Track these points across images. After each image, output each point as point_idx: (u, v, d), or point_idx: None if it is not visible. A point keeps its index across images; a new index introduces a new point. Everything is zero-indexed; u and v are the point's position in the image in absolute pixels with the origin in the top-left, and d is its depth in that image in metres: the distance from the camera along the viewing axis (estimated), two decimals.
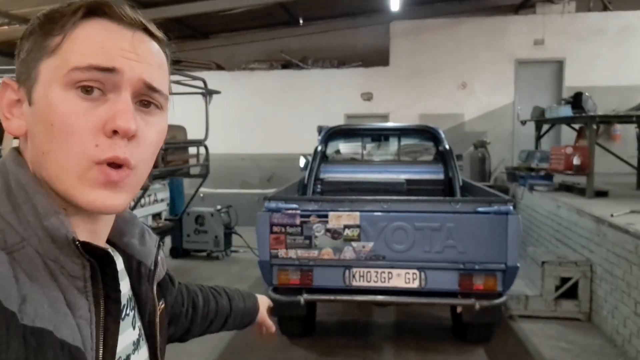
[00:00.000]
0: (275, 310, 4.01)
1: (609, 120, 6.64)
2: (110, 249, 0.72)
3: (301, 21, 11.50)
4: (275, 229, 3.67)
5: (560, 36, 10.05)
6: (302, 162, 5.91)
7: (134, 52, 0.65)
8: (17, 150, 0.69)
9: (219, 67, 11.52)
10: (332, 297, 3.84)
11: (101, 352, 0.65)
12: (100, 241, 0.71)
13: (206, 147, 7.27)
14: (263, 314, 1.34)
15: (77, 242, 0.62)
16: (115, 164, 0.63)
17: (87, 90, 0.62)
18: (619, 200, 5.78)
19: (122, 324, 0.70)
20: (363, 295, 3.79)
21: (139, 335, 0.77)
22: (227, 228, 7.61)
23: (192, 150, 7.42)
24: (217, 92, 7.32)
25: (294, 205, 3.69)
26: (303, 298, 3.76)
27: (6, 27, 9.48)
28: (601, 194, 6.07)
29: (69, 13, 0.64)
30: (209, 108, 7.23)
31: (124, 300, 0.72)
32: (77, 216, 0.66)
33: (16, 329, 0.55)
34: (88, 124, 0.62)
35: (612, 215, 4.64)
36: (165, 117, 0.71)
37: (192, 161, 7.38)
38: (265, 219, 3.70)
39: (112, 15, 0.65)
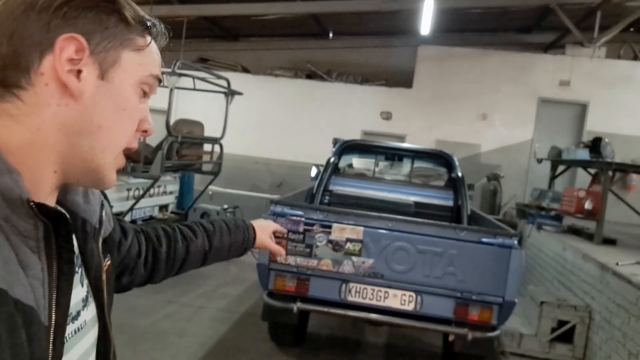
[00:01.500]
0: (266, 315, 4.02)
1: (625, 168, 6.59)
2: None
3: (331, 34, 11.61)
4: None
5: (586, 79, 10.02)
6: (313, 171, 5.93)
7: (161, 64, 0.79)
8: None
9: (245, 70, 11.65)
10: (325, 309, 3.81)
11: (54, 311, 0.65)
12: (52, 201, 0.71)
13: (221, 146, 7.33)
14: (263, 240, 1.38)
15: (32, 203, 0.62)
16: (129, 152, 0.75)
17: (144, 93, 0.75)
18: (626, 250, 5.71)
19: None
20: (357, 312, 3.77)
21: (87, 292, 0.78)
22: None
23: (207, 147, 7.49)
24: (240, 94, 7.40)
25: (299, 212, 3.70)
26: (297, 306, 3.75)
27: None
28: (609, 241, 6.00)
29: (152, 26, 0.75)
30: (230, 108, 7.30)
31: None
32: (61, 186, 0.72)
33: None
34: (137, 119, 0.75)
35: (617, 264, 4.58)
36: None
37: (206, 158, 7.44)
38: None
39: (156, 36, 0.77)
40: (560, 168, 8.42)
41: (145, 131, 0.76)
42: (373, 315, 3.75)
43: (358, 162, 5.97)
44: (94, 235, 0.80)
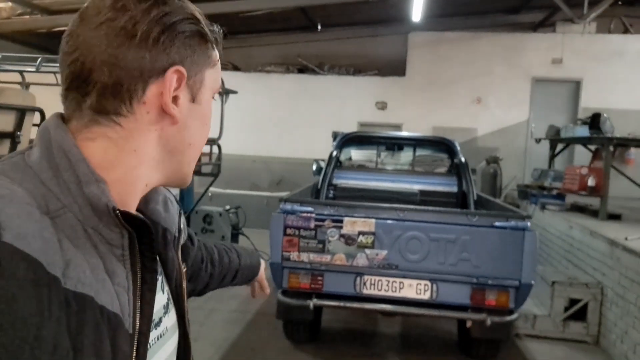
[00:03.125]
0: (281, 314, 4.00)
1: (626, 143, 6.60)
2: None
3: (319, 27, 11.54)
4: (289, 231, 3.65)
5: (578, 56, 10.02)
6: (314, 166, 5.90)
7: None
8: (61, 116, 0.69)
9: (235, 68, 11.57)
10: (341, 304, 3.80)
11: (138, 319, 0.67)
12: (134, 208, 0.73)
13: (219, 146, 7.27)
14: (262, 273, 1.42)
15: (117, 212, 0.64)
16: None
17: None
18: (632, 224, 5.72)
19: None
20: (373, 304, 3.75)
21: (168, 299, 0.80)
22: (234, 229, 7.59)
23: (205, 148, 7.42)
24: (234, 92, 7.33)
25: (310, 209, 3.67)
26: (312, 303, 3.73)
27: (27, 16, 9.56)
28: (614, 216, 6.02)
29: (218, 34, 0.76)
30: (224, 107, 7.23)
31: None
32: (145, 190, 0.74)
33: (58, 293, 0.56)
34: None
35: (626, 239, 4.59)
36: None
37: (204, 159, 7.37)
38: (279, 221, 3.68)
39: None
40: (559, 147, 8.43)
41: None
42: (389, 307, 3.74)
43: (359, 155, 5.94)
44: (174, 244, 0.82)
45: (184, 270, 0.87)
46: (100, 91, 0.65)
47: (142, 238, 0.68)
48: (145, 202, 0.78)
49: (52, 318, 0.54)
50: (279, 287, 3.82)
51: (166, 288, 0.80)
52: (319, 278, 3.71)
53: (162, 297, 0.78)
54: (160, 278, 0.78)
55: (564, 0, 9.06)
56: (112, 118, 0.66)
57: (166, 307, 0.79)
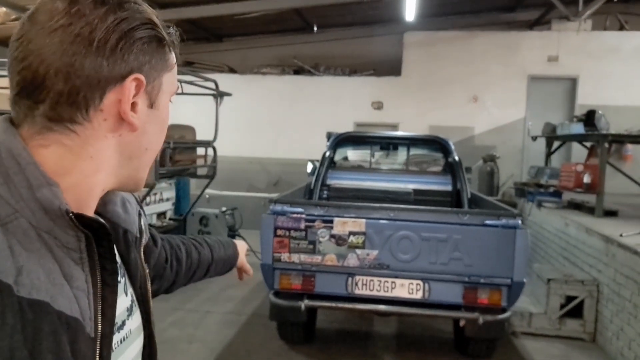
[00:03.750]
0: (274, 315, 3.99)
1: (621, 139, 6.57)
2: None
3: (315, 28, 11.53)
4: (279, 232, 3.64)
5: (574, 53, 10.00)
6: (309, 167, 5.88)
7: None
8: (10, 120, 0.67)
9: (232, 70, 11.57)
10: (333, 305, 3.78)
11: (99, 322, 0.66)
12: (90, 212, 0.71)
13: (214, 149, 7.26)
14: (242, 259, 1.42)
15: (71, 214, 0.62)
16: None
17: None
18: (628, 220, 5.70)
19: None
20: (365, 304, 3.74)
21: (132, 301, 0.79)
22: (231, 230, 7.57)
23: (200, 151, 7.42)
24: (228, 95, 7.33)
25: (300, 209, 3.66)
26: (304, 304, 3.71)
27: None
28: (610, 213, 5.99)
29: (175, 37, 0.75)
30: (220, 110, 7.23)
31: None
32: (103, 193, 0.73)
33: (11, 301, 0.55)
34: None
35: (621, 235, 4.57)
36: None
37: (200, 162, 7.37)
38: (269, 222, 3.67)
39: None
40: (556, 144, 8.40)
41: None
42: (382, 307, 3.73)
43: (354, 155, 5.93)
44: (135, 245, 0.82)
45: (147, 271, 0.85)
46: (54, 99, 0.63)
47: (100, 240, 0.66)
48: (104, 203, 0.77)
49: (6, 327, 0.53)
50: (271, 288, 3.81)
51: (130, 290, 0.79)
52: (311, 279, 3.69)
53: (125, 300, 0.76)
54: (123, 280, 0.77)
55: None
56: (67, 126, 0.64)
57: (130, 310, 0.78)
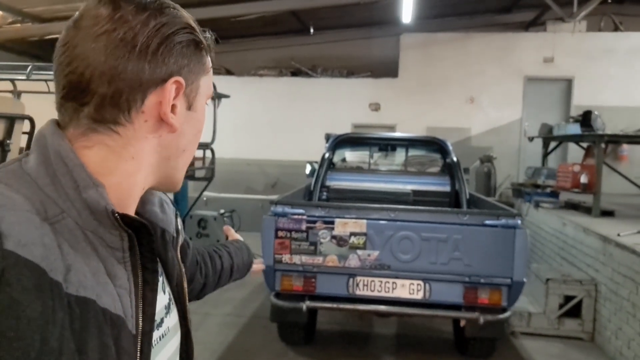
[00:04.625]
0: (275, 316, 3.99)
1: (617, 140, 6.62)
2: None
3: (312, 30, 11.55)
4: (280, 233, 3.65)
5: (570, 54, 10.06)
6: (308, 169, 5.89)
7: None
8: (57, 122, 0.70)
9: (229, 72, 11.57)
10: (334, 305, 3.80)
11: (141, 319, 0.68)
12: (131, 212, 0.74)
13: (212, 151, 7.27)
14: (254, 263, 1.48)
15: (116, 214, 0.65)
16: None
17: None
18: (625, 220, 5.74)
19: None
20: (366, 305, 3.75)
21: (169, 299, 0.81)
22: None
23: (198, 152, 7.42)
24: (226, 97, 7.33)
25: (301, 211, 3.67)
26: (305, 305, 3.72)
27: (19, 25, 9.55)
28: (607, 213, 6.04)
29: (211, 40, 0.76)
30: (218, 112, 7.23)
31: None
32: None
33: (61, 298, 0.57)
34: None
35: (618, 235, 4.60)
36: None
37: (198, 164, 7.37)
38: (270, 223, 3.68)
39: None
40: (552, 144, 8.45)
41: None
42: (383, 307, 3.74)
43: (352, 156, 5.95)
44: (173, 244, 0.84)
45: (184, 270, 0.88)
46: (98, 101, 0.66)
47: (141, 240, 0.69)
48: (142, 203, 0.79)
49: (57, 323, 0.55)
50: (272, 289, 3.82)
51: (167, 289, 0.81)
52: (312, 280, 3.70)
53: (163, 298, 0.78)
54: (161, 279, 0.79)
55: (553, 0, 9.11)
56: (110, 127, 0.67)
57: (168, 308, 0.80)
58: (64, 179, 0.64)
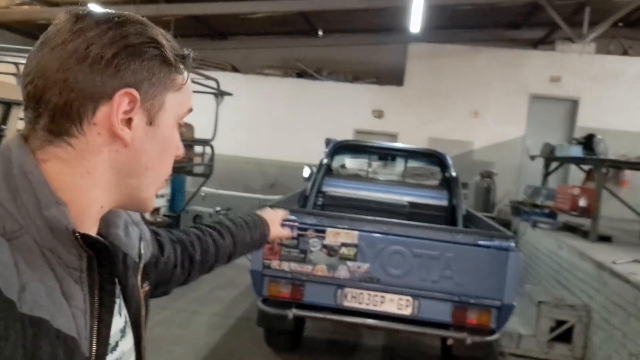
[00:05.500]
0: (262, 322, 3.94)
1: (619, 165, 6.57)
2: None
3: (320, 32, 11.52)
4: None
5: (577, 75, 10.02)
6: (306, 172, 5.84)
7: None
8: (23, 136, 0.69)
9: (234, 69, 11.53)
10: (321, 315, 3.74)
11: (94, 342, 0.67)
12: (93, 233, 0.73)
13: (212, 147, 7.23)
14: (275, 231, 1.45)
15: (77, 234, 0.64)
16: None
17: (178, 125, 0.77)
18: (622, 247, 5.68)
19: None
20: (353, 317, 3.70)
21: (125, 322, 0.80)
22: None
23: (198, 149, 7.38)
24: (229, 94, 7.30)
25: (293, 217, 3.59)
26: (292, 313, 3.67)
27: (27, 7, 9.51)
28: (605, 238, 5.97)
29: (187, 57, 0.75)
30: (220, 108, 7.20)
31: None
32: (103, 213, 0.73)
33: (14, 317, 0.56)
34: (175, 151, 0.77)
35: (614, 262, 4.55)
36: None
37: (197, 160, 7.34)
38: None
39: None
40: (554, 165, 8.40)
41: (177, 156, 0.77)
42: (370, 321, 3.69)
43: (351, 163, 5.89)
44: (134, 270, 0.82)
45: (147, 288, 0.87)
46: (51, 112, 0.65)
47: (101, 261, 0.68)
48: (107, 225, 0.78)
49: (9, 342, 0.55)
50: (259, 295, 3.76)
51: (124, 312, 0.80)
52: (300, 288, 3.65)
53: (119, 321, 0.77)
54: (119, 301, 0.77)
55: (564, 20, 9.08)
56: (64, 139, 0.66)
57: (123, 331, 0.78)
58: (25, 195, 0.63)
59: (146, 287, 0.87)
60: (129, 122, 0.68)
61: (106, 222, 0.77)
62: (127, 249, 0.81)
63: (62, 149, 0.66)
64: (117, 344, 0.75)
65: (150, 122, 0.71)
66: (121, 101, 0.67)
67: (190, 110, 0.78)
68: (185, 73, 0.75)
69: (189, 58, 0.75)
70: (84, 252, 0.65)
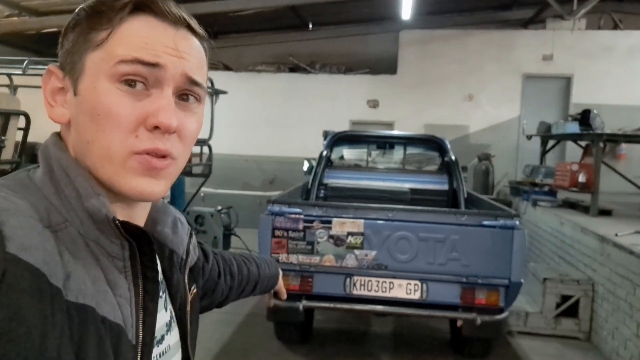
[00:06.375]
0: (272, 316, 3.98)
1: (616, 139, 6.61)
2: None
3: (311, 25, 11.49)
4: (277, 232, 3.63)
5: (569, 52, 10.03)
6: (305, 165, 5.87)
7: (176, 48, 0.67)
8: (58, 134, 0.72)
9: (227, 68, 11.51)
10: (331, 305, 3.78)
11: (141, 330, 0.68)
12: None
13: (210, 147, 7.24)
14: (280, 282, 1.45)
15: (117, 222, 0.65)
16: (157, 154, 0.66)
17: (130, 84, 0.65)
18: (623, 220, 5.73)
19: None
20: (363, 305, 3.74)
21: (171, 317, 0.80)
22: (226, 229, 7.56)
23: (196, 149, 7.38)
24: (224, 92, 7.30)
25: (298, 210, 3.65)
26: (302, 304, 3.71)
27: (15, 18, 9.47)
28: (605, 212, 6.03)
29: (117, 8, 0.65)
30: (215, 108, 7.20)
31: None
32: (117, 203, 0.69)
33: (61, 304, 0.57)
34: (131, 116, 0.65)
35: (616, 235, 4.60)
36: (202, 109, 0.74)
37: (195, 160, 7.34)
38: (267, 223, 3.66)
39: (157, 12, 0.67)
40: (551, 143, 8.44)
41: (156, 127, 0.65)
42: (380, 307, 3.73)
43: (350, 154, 5.92)
44: (180, 266, 0.83)
45: (194, 291, 0.87)
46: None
47: (142, 248, 0.68)
48: (154, 224, 0.79)
49: (56, 329, 0.55)
50: None
51: (169, 307, 0.80)
52: (309, 279, 3.69)
53: (164, 315, 0.77)
54: (164, 296, 0.78)
55: None
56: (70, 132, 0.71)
57: (169, 325, 0.79)
58: (67, 189, 0.65)
59: (194, 290, 0.87)
60: (54, 96, 0.70)
61: (153, 220, 0.79)
62: (174, 246, 0.81)
63: (67, 134, 0.71)
64: (162, 338, 0.76)
65: (75, 91, 0.67)
66: (47, 81, 0.68)
67: (139, 59, 0.64)
68: (117, 22, 0.65)
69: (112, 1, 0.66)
70: (125, 240, 0.66)
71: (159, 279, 0.73)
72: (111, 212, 0.65)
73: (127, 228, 0.66)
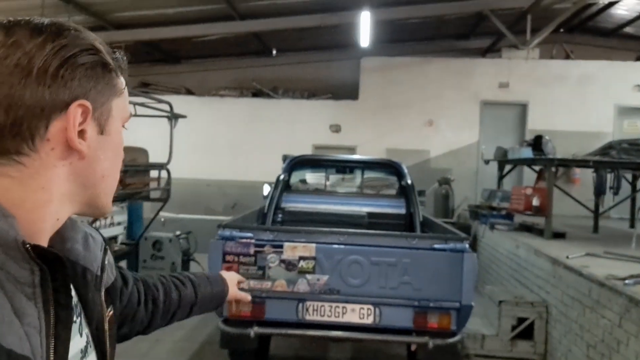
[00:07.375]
0: (225, 343, 3.87)
1: (567, 163, 6.82)
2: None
3: (274, 52, 11.59)
4: (228, 257, 3.56)
5: (524, 80, 10.39)
6: (265, 190, 5.82)
7: None
8: None
9: (189, 92, 11.46)
10: (284, 331, 3.71)
11: None
12: (45, 244, 0.70)
13: (168, 171, 7.12)
14: (233, 292, 1.40)
15: (27, 245, 0.61)
16: None
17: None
18: (575, 242, 5.87)
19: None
20: (317, 330, 3.68)
21: (87, 342, 0.76)
22: (185, 255, 7.39)
23: (154, 173, 7.25)
24: (183, 117, 7.23)
25: (249, 234, 3.59)
26: (253, 331, 3.62)
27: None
28: (559, 235, 6.16)
29: (122, 62, 0.74)
30: (174, 132, 7.11)
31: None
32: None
33: None
34: None
35: (567, 257, 4.69)
36: None
37: (153, 185, 7.20)
38: (218, 247, 3.59)
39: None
40: (507, 167, 8.64)
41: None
42: (333, 333, 3.68)
43: (309, 178, 5.92)
44: (95, 284, 0.78)
45: (110, 313, 0.84)
46: None
47: (54, 274, 0.64)
48: (62, 241, 0.75)
49: None
50: (220, 315, 3.71)
51: (85, 331, 0.76)
52: (260, 305, 3.61)
53: (79, 341, 0.73)
54: (79, 320, 0.74)
55: (508, 28, 9.41)
56: (13, 158, 0.63)
57: (84, 352, 0.75)
58: None
59: (110, 312, 0.84)
60: (82, 133, 0.67)
61: (62, 237, 0.75)
62: (86, 263, 0.78)
63: (12, 168, 0.63)
64: None
65: (102, 130, 0.70)
66: (76, 113, 0.65)
67: (130, 114, 0.78)
68: (122, 78, 0.74)
69: (124, 62, 0.74)
70: (36, 265, 0.62)
71: (73, 304, 0.69)
72: (20, 235, 0.61)
73: (39, 252, 0.62)
